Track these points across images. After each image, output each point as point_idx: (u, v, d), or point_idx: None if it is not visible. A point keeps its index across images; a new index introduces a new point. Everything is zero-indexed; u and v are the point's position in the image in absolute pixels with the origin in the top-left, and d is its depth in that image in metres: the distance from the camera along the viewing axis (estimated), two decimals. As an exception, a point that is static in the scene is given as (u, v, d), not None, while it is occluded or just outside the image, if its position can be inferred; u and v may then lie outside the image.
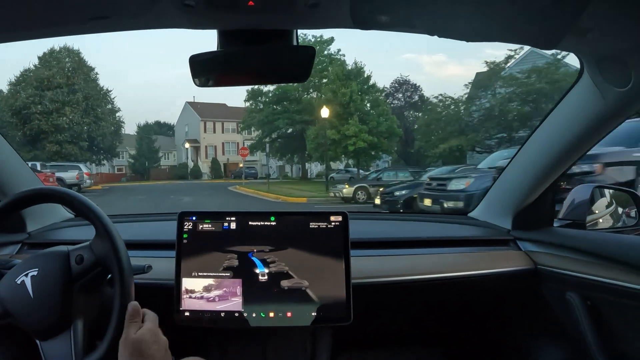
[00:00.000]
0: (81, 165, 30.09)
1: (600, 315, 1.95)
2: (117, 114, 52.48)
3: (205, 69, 1.50)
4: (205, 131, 69.88)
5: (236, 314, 1.91)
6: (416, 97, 57.19)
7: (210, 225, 1.98)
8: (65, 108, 43.69)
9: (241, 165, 54.61)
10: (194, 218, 1.99)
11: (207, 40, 1.48)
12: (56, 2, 1.19)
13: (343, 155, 42.09)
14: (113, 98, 52.44)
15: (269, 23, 1.35)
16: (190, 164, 66.62)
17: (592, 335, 1.93)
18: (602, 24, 1.29)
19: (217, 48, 1.42)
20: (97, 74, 49.39)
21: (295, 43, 1.42)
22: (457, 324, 2.69)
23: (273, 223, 2.00)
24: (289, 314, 1.91)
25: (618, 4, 1.20)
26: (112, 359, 1.50)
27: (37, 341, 1.57)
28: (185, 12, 1.22)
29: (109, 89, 54.54)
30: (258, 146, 52.68)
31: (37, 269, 1.58)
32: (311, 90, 49.28)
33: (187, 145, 67.97)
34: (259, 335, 2.16)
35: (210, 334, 2.12)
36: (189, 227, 1.98)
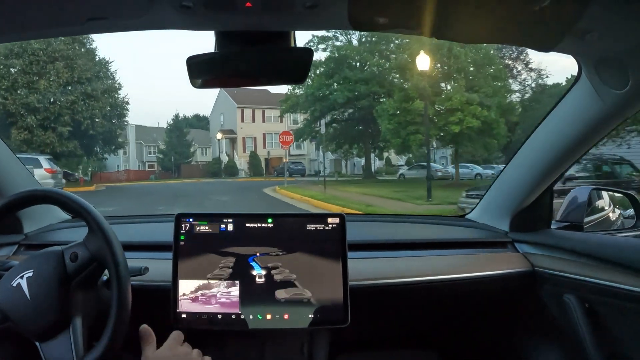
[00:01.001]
0: (41, 159, 20.94)
1: (597, 318, 1.95)
2: (118, 93, 40.41)
3: (202, 71, 1.48)
4: (242, 120, 58.66)
5: (233, 316, 1.91)
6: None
7: (207, 227, 1.98)
8: (40, 82, 33.05)
9: (285, 160, 46.77)
10: (190, 220, 1.99)
11: (207, 41, 1.38)
12: (54, 2, 1.19)
13: (436, 141, 32.29)
14: (114, 71, 41.42)
15: (266, 24, 1.35)
16: (225, 159, 55.81)
17: (589, 338, 1.93)
18: (600, 26, 1.29)
19: (215, 49, 1.42)
20: (92, 40, 37.19)
21: (292, 44, 1.42)
22: (455, 326, 2.69)
23: (270, 225, 1.99)
24: (286, 316, 1.91)
25: (616, 6, 1.20)
26: (112, 357, 1.52)
27: (37, 343, 1.57)
28: (183, 14, 1.22)
29: (109, 60, 40.56)
30: (306, 132, 41.29)
31: (32, 270, 1.58)
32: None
33: (219, 136, 56.94)
34: (256, 338, 2.16)
35: (208, 336, 2.09)
36: (186, 228, 1.98)
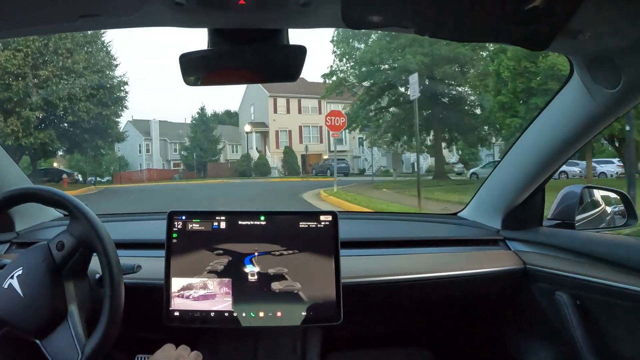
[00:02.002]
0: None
1: (589, 315, 1.95)
2: (112, 69, 33.54)
3: (195, 68, 1.48)
4: (275, 111, 50.48)
5: (226, 314, 1.91)
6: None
7: (199, 225, 1.98)
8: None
9: (326, 156, 43.93)
10: (183, 217, 1.98)
11: (200, 39, 1.32)
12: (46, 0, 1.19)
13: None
14: (107, 43, 33.73)
15: (259, 22, 1.34)
16: (255, 156, 48.76)
17: (581, 335, 1.93)
18: (593, 26, 1.29)
19: (208, 47, 1.41)
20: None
21: (286, 42, 1.42)
22: (447, 324, 2.69)
23: (263, 223, 1.99)
24: (278, 314, 1.91)
25: (608, 6, 1.20)
26: (110, 346, 1.53)
27: (37, 341, 1.55)
28: (176, 11, 1.21)
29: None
30: (359, 117, 31.57)
31: (21, 268, 1.58)
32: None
33: (248, 128, 49.30)
34: (249, 335, 2.16)
35: (201, 334, 2.13)
36: (179, 226, 1.97)
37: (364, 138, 39.26)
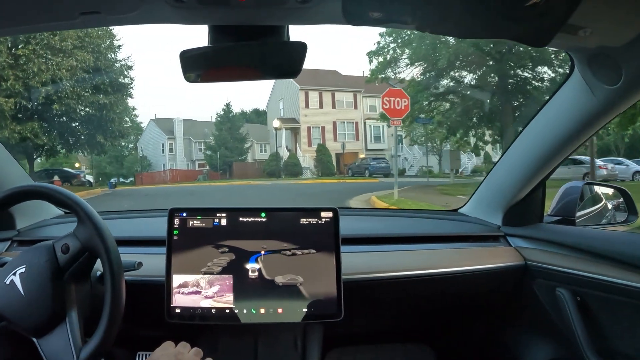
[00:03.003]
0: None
1: (589, 311, 1.95)
2: (114, 50, 29.56)
3: (196, 65, 1.49)
4: (307, 105, 45.13)
5: (227, 311, 1.92)
6: None
7: (200, 222, 1.99)
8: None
9: (362, 155, 40.37)
10: (184, 214, 1.99)
11: (197, 34, 1.30)
12: None
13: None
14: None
15: (260, 19, 1.35)
16: (285, 155, 43.91)
17: (581, 331, 1.94)
18: (594, 22, 1.30)
19: (208, 44, 1.41)
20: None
21: (286, 39, 1.42)
22: (447, 320, 2.70)
23: (264, 219, 2.00)
24: (279, 311, 1.92)
25: (609, 2, 1.21)
26: (107, 348, 1.54)
27: (34, 339, 1.57)
28: (176, 8, 1.23)
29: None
30: (419, 100, 26.07)
31: (24, 266, 1.59)
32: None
33: (277, 124, 44.34)
34: (250, 331, 2.16)
35: (201, 330, 2.14)
36: (180, 223, 1.99)
37: (403, 135, 34.99)
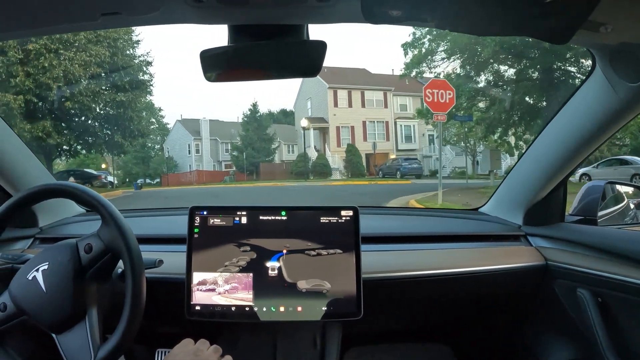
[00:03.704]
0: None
1: (610, 312, 1.93)
2: (136, 48, 29.50)
3: (215, 64, 1.50)
4: (335, 104, 43.46)
5: (246, 308, 1.93)
6: None
7: (221, 220, 2.01)
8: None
9: (393, 155, 39.09)
10: (204, 213, 2.01)
11: (220, 34, 1.31)
12: None
13: None
14: None
15: (279, 18, 1.35)
16: (314, 155, 41.96)
17: (602, 333, 1.92)
18: (615, 18, 1.28)
19: (228, 43, 1.42)
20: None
21: (305, 37, 1.43)
22: (466, 320, 2.68)
23: (284, 218, 2.01)
24: (299, 309, 1.93)
25: None
26: (126, 348, 1.57)
27: (54, 335, 1.59)
28: (196, 8, 1.24)
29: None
30: (464, 95, 23.85)
31: (47, 263, 1.62)
32: None
33: (305, 123, 42.53)
34: (269, 329, 2.17)
35: (221, 327, 2.15)
36: (200, 221, 2.01)
37: (435, 135, 35.24)
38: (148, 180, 46.86)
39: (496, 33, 1.36)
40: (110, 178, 35.41)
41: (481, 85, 25.62)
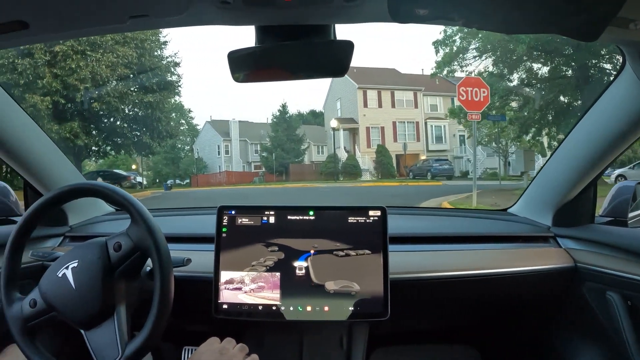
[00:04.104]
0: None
1: None
2: (164, 49, 28.86)
3: (243, 65, 1.51)
4: (365, 105, 42.49)
5: (273, 307, 1.94)
6: None
7: (249, 220, 2.02)
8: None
9: (423, 156, 38.32)
10: (232, 212, 2.03)
11: (248, 35, 1.35)
12: (97, 1, 1.21)
13: None
14: None
15: (305, 18, 1.36)
16: (343, 156, 41.46)
17: (630, 336, 1.89)
18: None
19: (255, 44, 1.43)
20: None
21: (332, 37, 1.43)
22: (494, 322, 2.66)
23: (312, 217, 2.02)
24: (326, 309, 1.94)
25: None
26: (154, 345, 1.59)
27: (82, 331, 1.62)
28: (222, 10, 1.24)
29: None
30: (496, 92, 22.84)
31: (77, 261, 1.64)
32: None
33: (334, 124, 42.48)
34: (296, 328, 2.18)
35: (248, 326, 2.17)
36: (228, 221, 2.02)
37: (466, 135, 34.34)
38: (178, 181, 47.06)
39: (523, 31, 1.35)
40: (139, 179, 35.99)
41: (514, 83, 25.04)
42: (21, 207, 2.44)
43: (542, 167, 2.47)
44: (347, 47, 1.41)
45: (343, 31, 1.44)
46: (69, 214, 2.52)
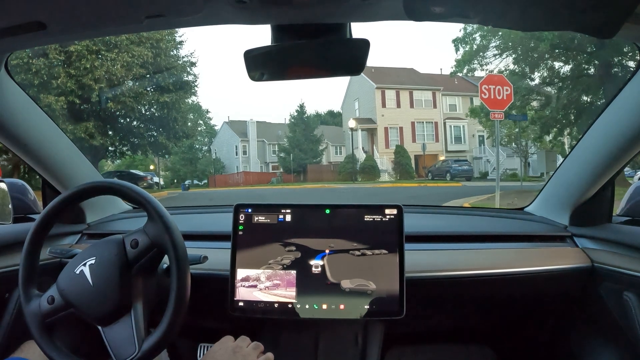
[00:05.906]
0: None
1: None
2: (180, 49, 30.10)
3: (259, 64, 1.51)
4: (383, 105, 42.13)
5: (289, 305, 1.95)
6: None
7: (265, 218, 2.03)
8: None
9: (442, 157, 38.05)
10: (249, 210, 2.04)
11: (264, 34, 1.31)
12: (112, 2, 1.23)
13: None
14: None
15: (322, 17, 1.36)
16: (362, 157, 40.70)
17: None
18: None
19: (271, 42, 1.44)
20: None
21: (348, 36, 1.43)
22: (510, 322, 2.65)
23: (328, 215, 2.03)
24: (341, 307, 1.94)
25: None
26: (170, 342, 1.60)
27: (99, 327, 1.63)
28: (239, 9, 1.25)
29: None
30: (518, 91, 22.43)
31: (94, 257, 1.65)
32: None
33: (352, 124, 41.65)
34: (311, 327, 2.18)
35: (263, 323, 2.18)
36: (245, 219, 2.03)
37: (485, 135, 33.91)
38: (196, 182, 47.35)
39: (539, 28, 1.34)
40: (156, 179, 36.11)
41: (535, 82, 24.60)
42: (39, 206, 2.48)
43: (559, 166, 2.45)
44: (363, 46, 1.41)
45: (359, 30, 1.44)
46: (86, 212, 2.54)
